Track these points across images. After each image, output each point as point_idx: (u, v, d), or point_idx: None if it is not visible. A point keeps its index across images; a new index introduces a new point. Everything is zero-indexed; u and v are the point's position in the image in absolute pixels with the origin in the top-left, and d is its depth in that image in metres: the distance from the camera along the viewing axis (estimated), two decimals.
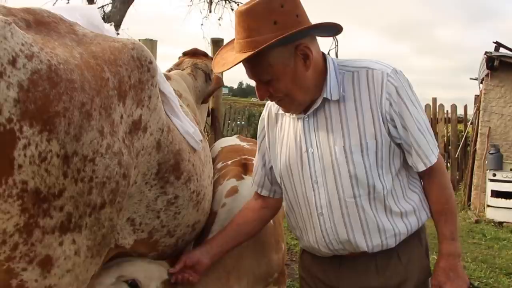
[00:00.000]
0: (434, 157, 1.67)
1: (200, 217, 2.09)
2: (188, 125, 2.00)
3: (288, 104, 1.72)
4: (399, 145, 1.67)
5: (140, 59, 1.62)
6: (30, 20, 1.43)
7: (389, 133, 1.64)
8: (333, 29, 1.69)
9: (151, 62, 1.67)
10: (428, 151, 1.65)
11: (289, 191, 1.83)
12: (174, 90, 2.05)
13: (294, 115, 1.78)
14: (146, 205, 1.75)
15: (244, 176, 2.42)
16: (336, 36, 1.80)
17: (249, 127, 13.62)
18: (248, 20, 1.58)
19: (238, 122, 14.60)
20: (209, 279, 1.99)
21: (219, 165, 2.61)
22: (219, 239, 1.98)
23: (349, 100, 1.66)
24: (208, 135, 3.84)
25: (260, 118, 2.02)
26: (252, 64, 1.65)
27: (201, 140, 2.12)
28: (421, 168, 1.67)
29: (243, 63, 1.65)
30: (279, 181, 1.88)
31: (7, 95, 1.18)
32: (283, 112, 1.84)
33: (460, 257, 1.73)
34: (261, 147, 1.98)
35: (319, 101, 1.69)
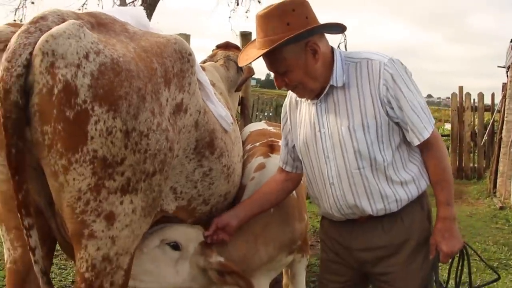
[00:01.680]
0: (427, 133, 1.93)
1: (231, 189, 2.41)
2: (220, 109, 2.31)
3: (302, 91, 2.03)
4: (397, 124, 1.94)
5: (181, 51, 1.93)
6: (93, 22, 1.76)
7: (387, 114, 1.91)
8: (338, 28, 1.99)
9: (190, 54, 1.98)
10: (421, 128, 1.92)
11: (308, 165, 2.13)
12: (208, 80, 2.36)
13: (309, 101, 2.08)
14: (185, 176, 2.07)
15: (270, 155, 2.73)
16: (346, 32, 2.10)
17: (277, 117, 13.85)
18: (266, 22, 1.91)
19: (266, 113, 14.88)
20: (238, 241, 2.30)
21: (249, 147, 2.93)
22: (246, 205, 2.30)
23: (353, 87, 1.95)
24: (238, 122, 4.16)
25: (283, 105, 2.32)
26: (270, 59, 1.98)
27: (231, 123, 2.43)
28: (416, 142, 1.94)
29: (263, 58, 1.98)
30: (300, 158, 2.18)
31: (83, 82, 1.51)
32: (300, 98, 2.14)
33: (456, 220, 2.01)
34: (284, 129, 2.30)
35: (327, 88, 1.98)
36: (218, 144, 2.19)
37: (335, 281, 2.20)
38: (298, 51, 1.91)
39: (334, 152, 1.98)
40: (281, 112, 2.33)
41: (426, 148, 1.98)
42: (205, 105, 2.15)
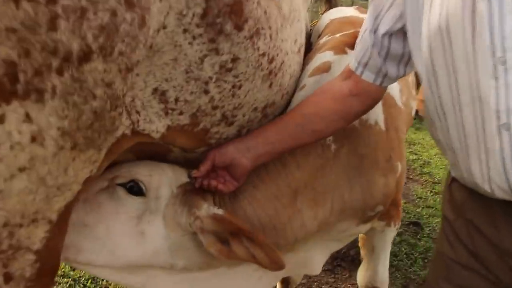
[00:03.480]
0: None
1: (275, 98, 1.36)
2: None
3: None
4: None
5: None
6: None
7: None
8: None
9: None
10: None
11: (442, 78, 1.00)
12: None
13: None
14: (185, 70, 1.06)
15: (348, 50, 1.61)
16: None
17: None
18: None
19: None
20: (259, 193, 1.31)
21: (324, 40, 1.80)
22: (270, 132, 1.26)
23: None
24: (321, 10, 2.90)
25: None
26: None
27: None
28: None
29: None
30: (418, 63, 1.06)
31: None
32: None
33: None
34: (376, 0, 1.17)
35: None
36: (252, 12, 1.12)
37: None
38: None
39: None
40: None
41: None
42: None
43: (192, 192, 1.26)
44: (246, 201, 1.31)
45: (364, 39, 1.21)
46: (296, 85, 1.54)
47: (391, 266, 2.55)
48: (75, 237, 1.17)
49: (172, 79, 1.06)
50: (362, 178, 1.42)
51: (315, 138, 1.28)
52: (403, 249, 2.79)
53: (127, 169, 1.25)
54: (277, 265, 1.19)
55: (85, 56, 0.77)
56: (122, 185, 1.22)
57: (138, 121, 1.06)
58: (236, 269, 1.40)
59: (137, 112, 1.04)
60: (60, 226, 0.93)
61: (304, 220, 1.35)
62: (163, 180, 1.25)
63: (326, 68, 1.53)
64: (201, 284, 1.38)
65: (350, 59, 1.39)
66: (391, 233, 1.79)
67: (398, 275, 2.54)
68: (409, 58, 1.15)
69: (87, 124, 0.84)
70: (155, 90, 1.05)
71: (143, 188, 1.22)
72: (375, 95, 1.24)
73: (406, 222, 3.14)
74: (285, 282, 2.12)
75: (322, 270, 2.59)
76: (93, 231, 1.18)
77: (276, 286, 2.20)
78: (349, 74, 1.25)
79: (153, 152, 1.28)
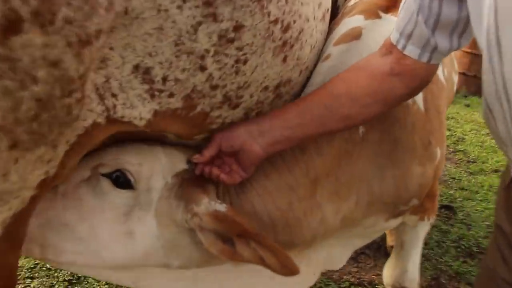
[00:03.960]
0: None
1: (292, 74, 1.12)
2: None
3: None
4: None
5: None
6: None
7: None
8: None
9: None
10: None
11: (509, 50, 0.73)
12: None
13: None
14: (174, 42, 0.83)
15: (382, 14, 1.35)
16: None
17: None
18: None
19: None
20: (271, 183, 1.11)
21: (352, 1, 1.55)
22: (290, 114, 1.04)
23: None
24: None
25: None
26: None
27: None
28: None
29: None
30: (478, 32, 0.81)
31: None
32: None
33: None
34: None
35: None
36: None
37: None
38: None
39: None
40: None
41: None
42: None
43: (190, 183, 1.06)
44: (254, 192, 1.12)
45: (407, 3, 0.95)
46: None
47: None
48: (54, 237, 1.02)
49: (157, 54, 0.84)
50: (396, 168, 1.20)
51: (344, 125, 1.05)
52: (433, 236, 2.55)
53: (113, 156, 1.05)
54: (289, 270, 1.00)
55: (12, 26, 0.55)
56: (107, 175, 1.03)
57: (115, 107, 0.85)
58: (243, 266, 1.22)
59: (114, 96, 0.83)
60: (9, 241, 0.74)
61: (324, 215, 1.15)
62: (155, 169, 1.06)
63: (355, 35, 1.29)
64: (204, 281, 1.22)
65: (385, 25, 1.14)
66: (424, 227, 1.59)
67: (428, 266, 2.32)
68: (466, 26, 0.89)
69: (29, 116, 0.64)
70: (136, 67, 0.83)
71: (131, 179, 1.04)
72: (423, 75, 0.99)
73: (438, 206, 2.86)
74: None
75: None
76: (74, 231, 1.02)
77: None
78: (390, 48, 1.00)
79: (142, 138, 1.07)
